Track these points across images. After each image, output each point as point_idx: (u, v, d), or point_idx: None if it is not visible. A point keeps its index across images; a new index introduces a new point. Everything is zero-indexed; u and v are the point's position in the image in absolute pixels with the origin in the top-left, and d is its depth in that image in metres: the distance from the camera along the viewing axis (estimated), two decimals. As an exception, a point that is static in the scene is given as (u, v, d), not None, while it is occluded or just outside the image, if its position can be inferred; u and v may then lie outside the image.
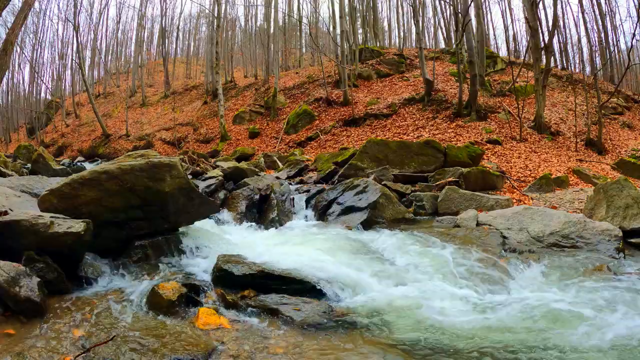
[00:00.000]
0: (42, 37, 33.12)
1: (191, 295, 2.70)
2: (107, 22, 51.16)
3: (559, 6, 16.25)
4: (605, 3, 19.70)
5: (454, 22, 15.02)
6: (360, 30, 22.64)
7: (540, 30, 12.25)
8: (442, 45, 24.17)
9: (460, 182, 6.42)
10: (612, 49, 19.12)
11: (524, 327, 2.43)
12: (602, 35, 18.82)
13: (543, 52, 11.73)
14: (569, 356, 2.11)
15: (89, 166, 10.01)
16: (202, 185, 5.78)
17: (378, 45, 22.64)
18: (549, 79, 13.65)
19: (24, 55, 32.09)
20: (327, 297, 2.85)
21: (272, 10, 23.28)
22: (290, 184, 7.38)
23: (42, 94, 33.51)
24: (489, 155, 9.44)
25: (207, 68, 25.03)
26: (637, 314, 2.53)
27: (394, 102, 14.15)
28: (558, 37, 19.40)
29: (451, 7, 16.34)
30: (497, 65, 17.52)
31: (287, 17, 27.69)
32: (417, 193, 5.91)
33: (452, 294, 2.96)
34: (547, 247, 3.96)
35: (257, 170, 8.35)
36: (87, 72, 28.75)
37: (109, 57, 39.08)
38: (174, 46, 34.54)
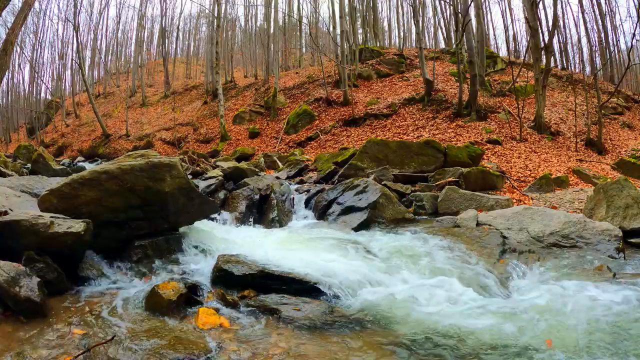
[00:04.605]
0: (42, 37, 33.15)
1: (191, 295, 2.70)
2: (107, 22, 51.22)
3: (559, 6, 16.27)
4: (605, 3, 19.72)
5: (454, 22, 15.03)
6: (360, 30, 22.64)
7: (540, 30, 12.26)
8: (442, 45, 24.18)
9: (460, 182, 6.42)
10: (612, 49, 19.14)
11: (523, 327, 2.43)
12: (602, 35, 18.84)
13: (543, 52, 11.73)
14: (567, 356, 2.11)
15: (89, 166, 10.00)
16: (202, 185, 5.78)
17: (378, 45, 22.64)
18: (549, 79, 13.65)
19: (24, 55, 32.14)
20: (327, 297, 2.85)
21: (272, 10, 23.28)
22: (290, 184, 7.38)
23: (42, 94, 33.55)
24: (489, 155, 9.44)
25: (207, 68, 25.04)
26: (635, 315, 2.53)
27: (394, 102, 14.15)
28: (558, 37, 19.42)
29: (451, 7, 16.35)
30: (497, 65, 17.51)
31: (287, 17, 27.71)
32: (417, 193, 5.91)
33: (452, 294, 2.95)
34: (547, 247, 3.96)
35: (257, 170, 8.35)
36: (87, 72, 28.74)
37: (109, 57, 39.11)
38: (174, 46, 34.58)
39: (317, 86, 17.89)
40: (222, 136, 16.63)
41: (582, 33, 21.53)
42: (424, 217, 5.40)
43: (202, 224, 4.12)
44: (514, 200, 6.08)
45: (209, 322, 2.43)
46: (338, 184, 6.08)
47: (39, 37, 32.41)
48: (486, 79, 14.71)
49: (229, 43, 28.48)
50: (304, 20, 29.36)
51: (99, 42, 36.38)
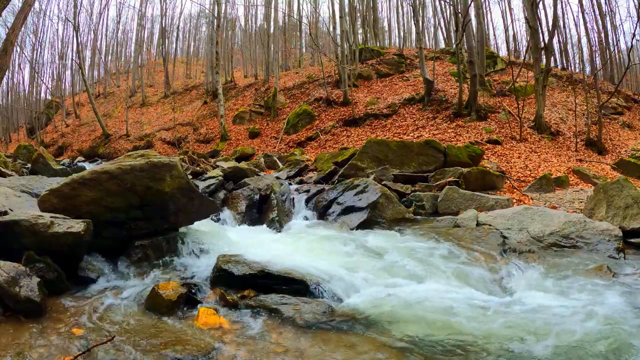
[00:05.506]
0: (42, 37, 33.11)
1: (191, 295, 2.70)
2: (107, 22, 51.17)
3: (559, 6, 16.26)
4: (605, 3, 19.71)
5: (454, 22, 15.02)
6: (360, 30, 22.63)
7: (540, 30, 12.25)
8: (442, 45, 24.17)
9: (460, 182, 6.42)
10: (612, 49, 19.13)
11: (523, 327, 2.43)
12: (602, 35, 18.83)
13: (543, 52, 11.73)
14: (567, 357, 2.11)
15: (89, 166, 10.01)
16: (202, 185, 5.78)
17: (378, 45, 22.64)
18: (549, 79, 13.65)
19: (24, 55, 32.08)
20: (327, 297, 2.85)
21: (272, 10, 23.31)
22: (290, 184, 7.38)
23: (42, 94, 33.49)
24: (489, 155, 9.44)
25: (207, 68, 25.04)
26: (636, 315, 2.53)
27: (394, 102, 14.15)
28: (558, 37, 19.42)
29: (451, 7, 16.34)
30: (497, 65, 17.51)
31: (287, 17, 27.70)
32: (417, 193, 5.91)
33: (451, 294, 2.95)
34: (547, 247, 3.96)
35: (257, 170, 8.36)
36: (87, 72, 28.75)
37: (109, 57, 39.09)
38: (174, 46, 34.51)
39: (317, 86, 17.89)
40: (222, 136, 16.63)
41: (582, 33, 21.56)
42: (424, 217, 5.40)
43: (202, 224, 4.11)
44: (514, 200, 6.08)
45: (209, 322, 2.43)
46: (338, 184, 6.08)
47: (39, 37, 32.40)
48: (486, 79, 14.71)
49: (229, 43, 28.47)
50: (304, 20, 29.38)
51: (99, 42, 36.39)
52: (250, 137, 16.06)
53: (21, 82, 34.45)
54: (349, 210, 5.24)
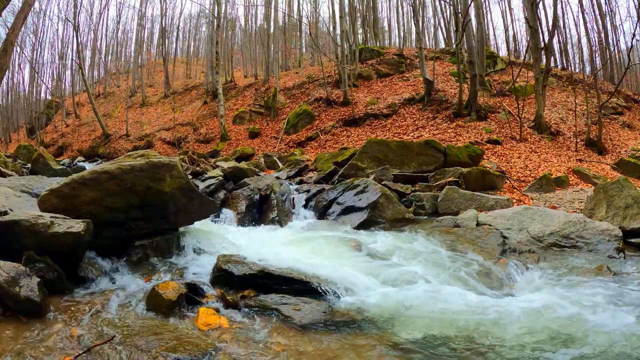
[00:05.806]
0: (42, 37, 33.09)
1: (191, 295, 2.70)
2: (107, 22, 51.16)
3: (559, 6, 16.25)
4: (605, 3, 19.71)
5: (454, 22, 15.02)
6: (360, 30, 22.63)
7: (540, 30, 12.25)
8: (442, 45, 24.16)
9: (460, 182, 6.41)
10: (612, 49, 19.13)
11: (523, 328, 2.43)
12: (602, 35, 18.83)
13: (543, 52, 11.73)
14: (567, 357, 2.11)
15: (89, 166, 10.00)
16: (202, 185, 5.78)
17: (378, 45, 22.64)
18: (549, 79, 13.65)
19: (24, 55, 32.07)
20: (327, 297, 2.85)
21: (272, 10, 23.32)
22: (290, 184, 7.38)
23: (42, 94, 33.48)
24: (489, 155, 9.44)
25: (207, 68, 25.04)
26: (636, 314, 2.53)
27: (394, 102, 14.15)
28: (558, 37, 19.42)
29: (451, 7, 16.34)
30: (497, 65, 17.51)
31: (287, 17, 27.69)
32: (417, 193, 5.91)
33: (451, 294, 2.95)
34: (547, 247, 3.96)
35: (257, 170, 8.36)
36: (87, 72, 28.75)
37: (109, 57, 39.09)
38: (174, 46, 34.49)
39: (317, 86, 17.89)
40: (222, 136, 16.63)
41: (582, 33, 21.56)
42: (424, 217, 5.40)
43: (202, 224, 4.11)
44: (514, 200, 6.08)
45: (209, 322, 2.43)
46: (338, 184, 6.08)
47: (39, 37, 32.39)
48: (486, 79, 14.71)
49: (229, 43, 28.46)
50: (304, 20, 29.37)
51: (99, 42, 36.38)
52: (250, 137, 16.06)
53: (21, 82, 34.48)
54: (349, 210, 5.24)
